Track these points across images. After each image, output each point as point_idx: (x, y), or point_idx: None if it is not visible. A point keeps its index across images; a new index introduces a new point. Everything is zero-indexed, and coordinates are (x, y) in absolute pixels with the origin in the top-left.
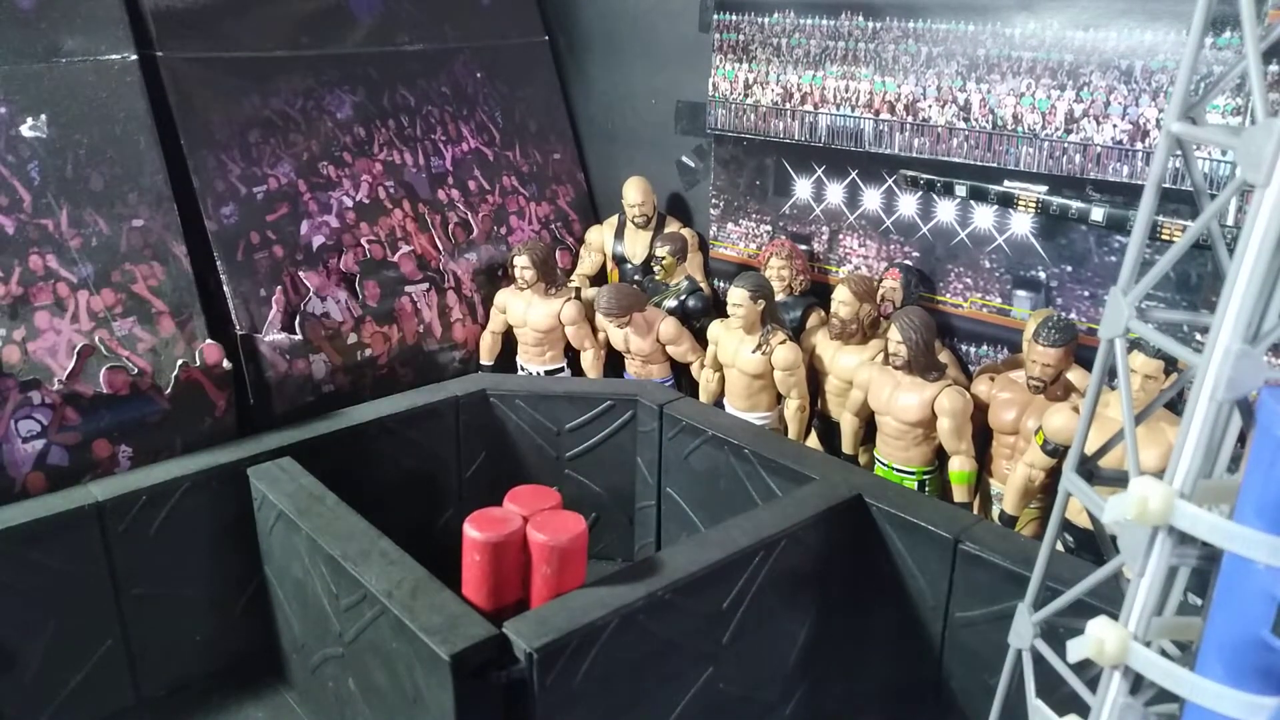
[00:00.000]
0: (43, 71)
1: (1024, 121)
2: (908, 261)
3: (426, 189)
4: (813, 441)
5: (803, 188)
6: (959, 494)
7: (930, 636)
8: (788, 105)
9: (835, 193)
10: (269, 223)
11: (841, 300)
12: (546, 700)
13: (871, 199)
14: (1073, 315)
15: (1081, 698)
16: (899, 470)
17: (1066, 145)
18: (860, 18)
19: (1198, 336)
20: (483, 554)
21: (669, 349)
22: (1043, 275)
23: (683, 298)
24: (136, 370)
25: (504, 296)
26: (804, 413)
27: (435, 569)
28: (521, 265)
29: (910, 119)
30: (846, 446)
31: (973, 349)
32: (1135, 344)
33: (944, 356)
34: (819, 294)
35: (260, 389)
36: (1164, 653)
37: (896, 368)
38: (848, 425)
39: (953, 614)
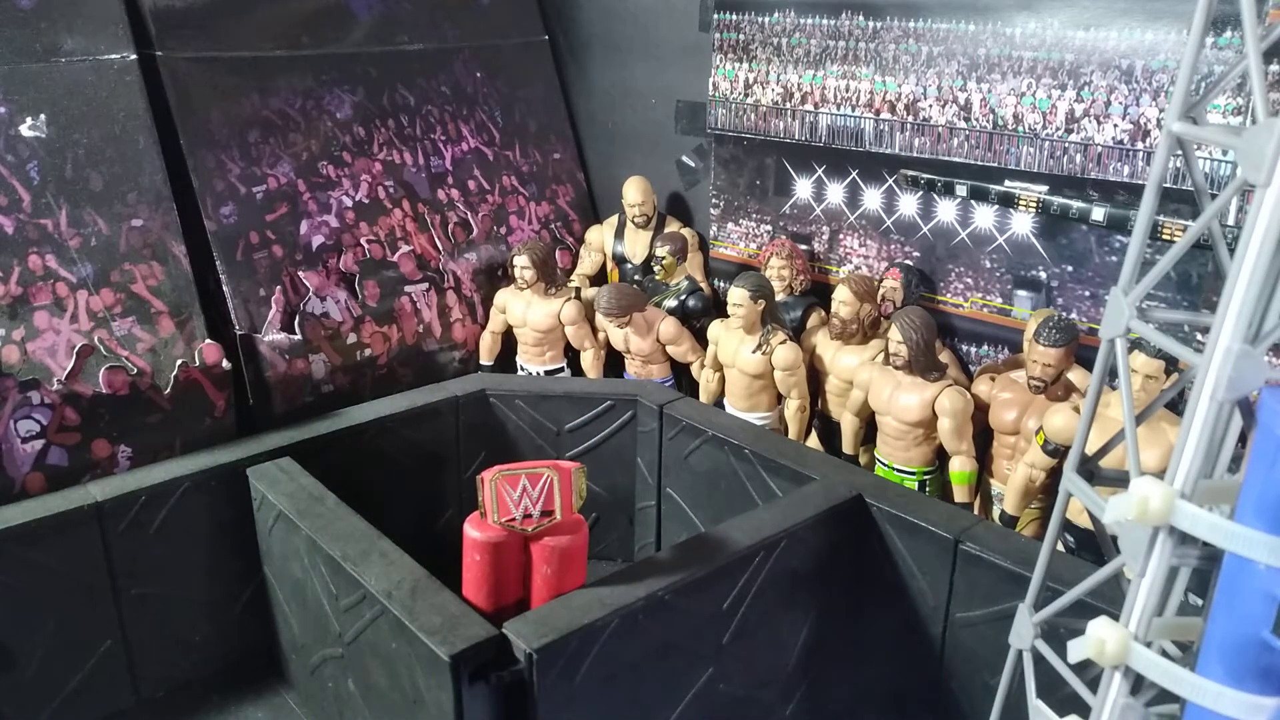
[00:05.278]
0: (42, 71)
1: (1024, 121)
2: (908, 261)
3: (426, 189)
4: (813, 441)
5: (803, 187)
6: (959, 494)
7: (931, 637)
8: (788, 105)
9: (836, 192)
10: (268, 222)
11: (842, 300)
12: (546, 700)
13: (872, 199)
14: (1073, 315)
15: (1082, 698)
16: (899, 470)
17: (1067, 145)
18: (861, 17)
19: (1198, 336)
20: (483, 554)
21: (669, 349)
22: (1043, 275)
23: (683, 298)
24: (136, 370)
25: (504, 296)
26: (804, 413)
27: (435, 569)
28: (521, 265)
29: (911, 119)
30: (847, 446)
31: (973, 349)
32: (1136, 344)
33: (945, 356)
34: (819, 294)
35: (260, 389)
36: (1164, 653)
37: (897, 368)
38: (848, 425)
39: (953, 614)
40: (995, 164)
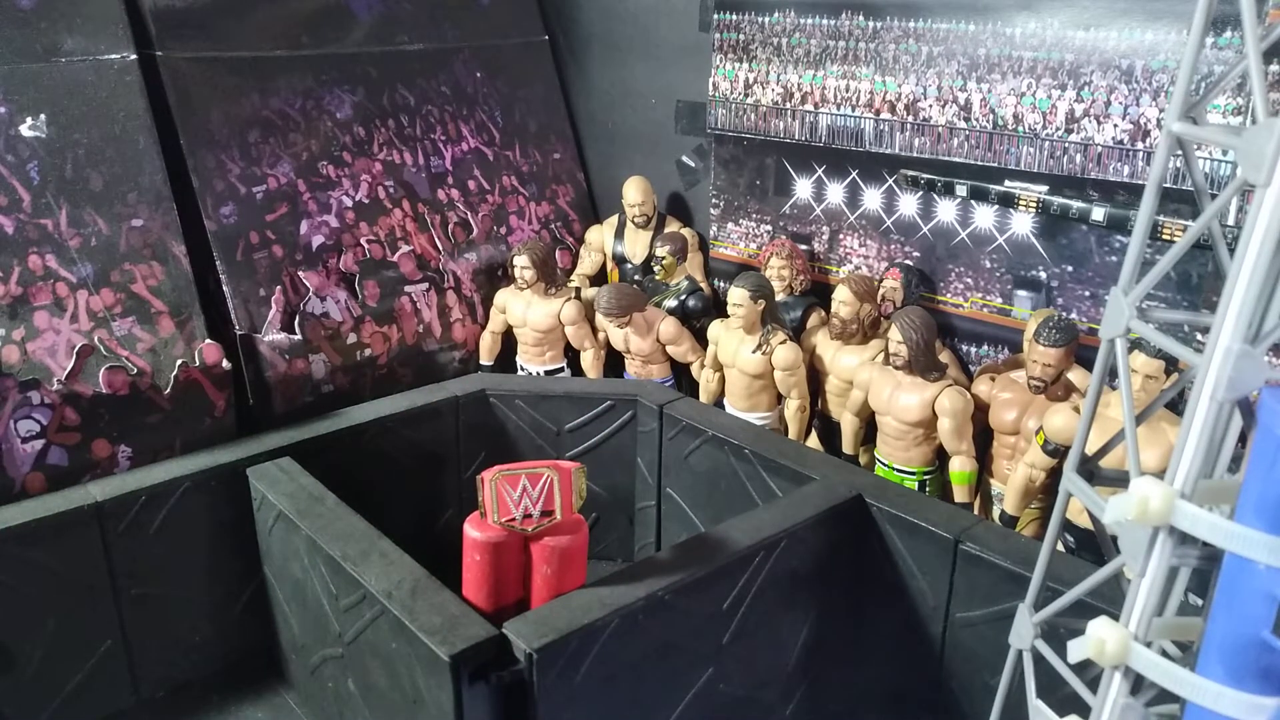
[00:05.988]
0: (42, 71)
1: (1024, 121)
2: (908, 261)
3: (426, 189)
4: (813, 441)
5: (803, 187)
6: (959, 494)
7: (931, 637)
8: (788, 105)
9: (836, 192)
10: (268, 222)
11: (842, 300)
12: (546, 700)
13: (872, 199)
14: (1073, 315)
15: (1082, 698)
16: (899, 470)
17: (1067, 145)
18: (861, 17)
19: (1198, 336)
20: (483, 554)
21: (669, 349)
22: (1043, 275)
23: (683, 298)
24: (136, 370)
25: (504, 296)
26: (804, 413)
27: (435, 569)
28: (521, 265)
29: (911, 119)
30: (847, 446)
31: (973, 349)
32: (1136, 344)
33: (944, 356)
34: (819, 294)
35: (260, 389)
36: (1164, 653)
37: (897, 368)
38: (848, 425)
39: (953, 614)
40: (995, 164)
